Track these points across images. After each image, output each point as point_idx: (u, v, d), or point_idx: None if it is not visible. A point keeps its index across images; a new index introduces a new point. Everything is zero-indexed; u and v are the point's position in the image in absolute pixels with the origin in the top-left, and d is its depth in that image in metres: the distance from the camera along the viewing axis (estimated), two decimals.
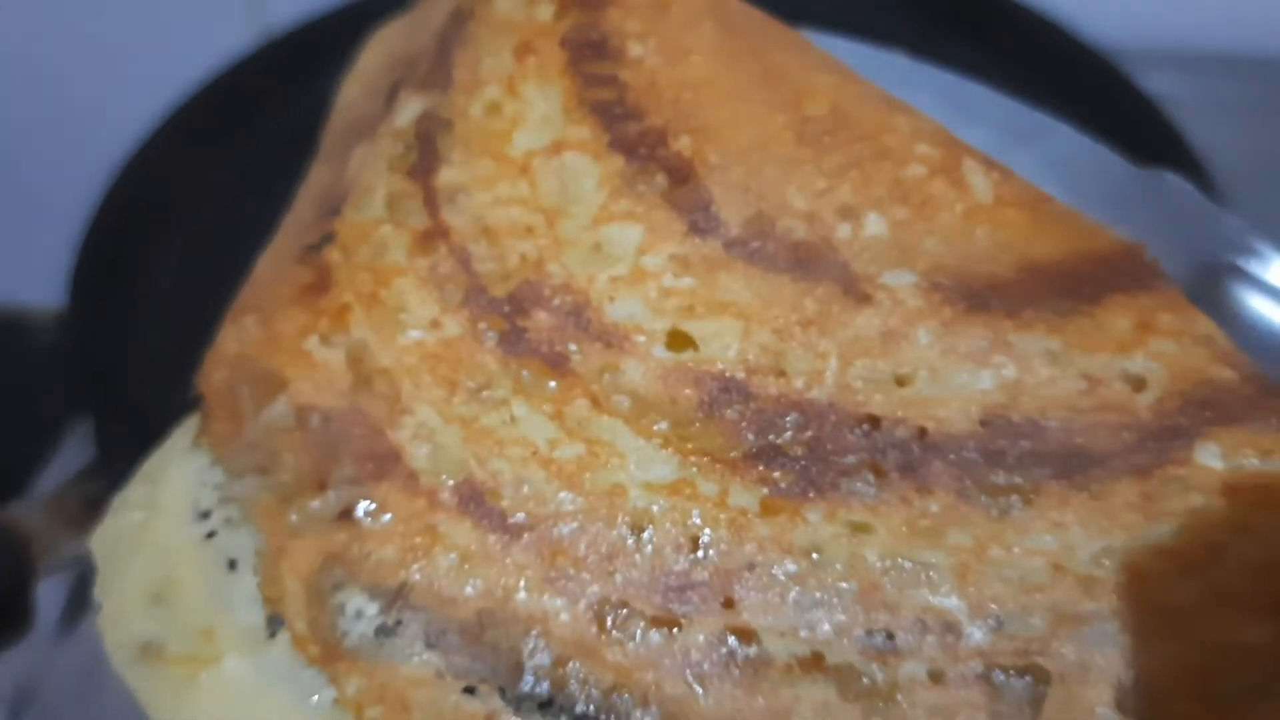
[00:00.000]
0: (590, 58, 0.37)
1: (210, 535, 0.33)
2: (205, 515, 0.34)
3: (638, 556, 0.30)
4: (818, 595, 0.30)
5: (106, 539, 0.34)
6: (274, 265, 0.38)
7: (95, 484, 0.39)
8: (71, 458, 0.52)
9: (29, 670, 0.43)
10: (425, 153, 0.36)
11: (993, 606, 0.29)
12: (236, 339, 0.34)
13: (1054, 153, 0.40)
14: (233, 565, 0.33)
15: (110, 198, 0.56)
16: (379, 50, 0.44)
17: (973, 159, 0.34)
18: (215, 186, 0.58)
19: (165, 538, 0.34)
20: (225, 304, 0.47)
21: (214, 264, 0.51)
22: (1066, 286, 0.32)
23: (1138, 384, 0.31)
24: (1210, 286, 0.38)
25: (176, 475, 0.35)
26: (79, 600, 0.43)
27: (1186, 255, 0.38)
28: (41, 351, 0.86)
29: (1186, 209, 0.38)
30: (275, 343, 0.34)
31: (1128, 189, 0.40)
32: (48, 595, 0.39)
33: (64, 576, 0.43)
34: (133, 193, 0.56)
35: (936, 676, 0.29)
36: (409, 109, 0.38)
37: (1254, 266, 0.38)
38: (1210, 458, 0.30)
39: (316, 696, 0.31)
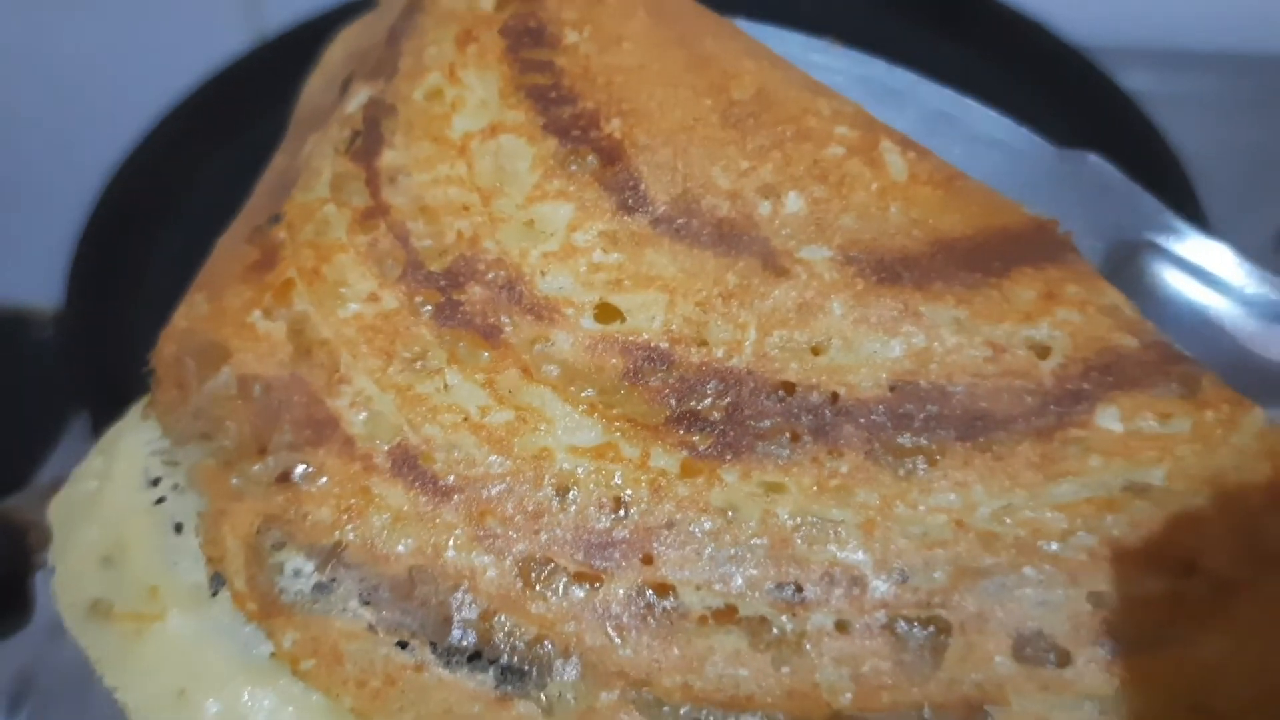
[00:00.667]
0: (528, 45, 0.38)
1: (159, 501, 0.35)
2: (155, 483, 0.35)
3: (562, 516, 0.32)
4: (732, 551, 0.31)
5: (62, 507, 0.36)
6: (227, 246, 0.39)
7: None
8: (71, 452, 0.51)
9: (28, 660, 0.42)
10: (369, 136, 0.38)
11: (897, 561, 0.31)
12: (186, 315, 0.36)
13: (982, 135, 0.41)
14: (178, 529, 0.34)
15: (107, 196, 0.56)
16: (340, 46, 0.45)
17: (890, 139, 0.36)
18: (210, 185, 0.59)
19: (116, 504, 0.35)
20: None
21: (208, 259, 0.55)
22: (975, 260, 0.34)
23: (1042, 351, 0.33)
24: (1130, 262, 0.39)
25: (129, 446, 0.36)
26: None
27: (1108, 232, 0.40)
28: (41, 349, 0.87)
29: (1108, 188, 0.40)
30: (221, 317, 0.35)
31: (1052, 169, 0.41)
32: (47, 587, 0.38)
33: None
34: (130, 191, 0.57)
35: (843, 627, 0.30)
36: (358, 97, 0.40)
37: (1171, 243, 0.39)
38: (1110, 421, 0.32)
39: (255, 650, 0.32)
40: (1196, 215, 0.53)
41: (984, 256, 0.34)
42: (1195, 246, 0.39)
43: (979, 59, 0.67)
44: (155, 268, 0.55)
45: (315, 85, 0.44)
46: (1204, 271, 0.38)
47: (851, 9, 0.70)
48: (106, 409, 0.45)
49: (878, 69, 0.42)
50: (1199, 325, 0.38)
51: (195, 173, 0.60)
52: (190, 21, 0.79)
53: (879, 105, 0.39)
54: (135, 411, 0.37)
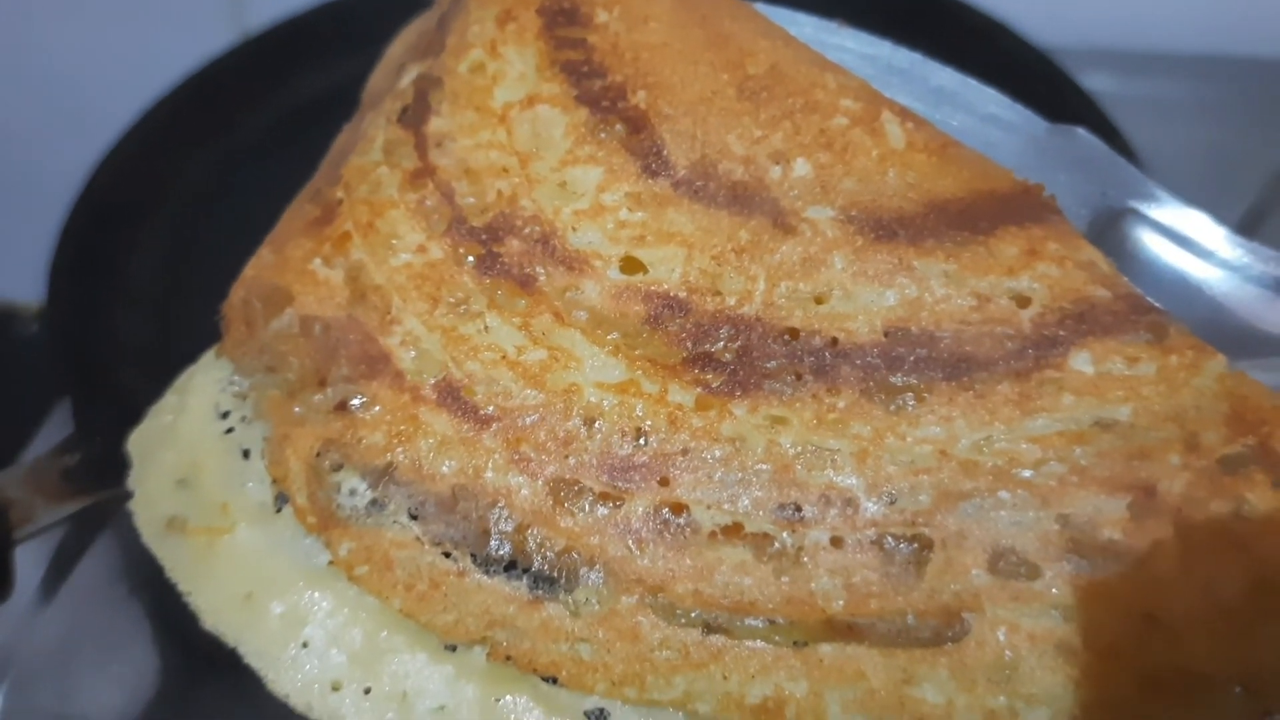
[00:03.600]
0: (562, 23, 0.42)
1: (228, 431, 0.39)
2: (224, 415, 0.39)
3: (589, 443, 0.36)
4: (739, 475, 0.35)
5: (141, 438, 0.40)
6: (292, 209, 0.43)
7: (71, 457, 0.42)
8: (52, 437, 0.53)
9: (8, 636, 0.44)
10: (419, 106, 0.41)
11: (886, 485, 0.34)
12: (255, 265, 0.40)
13: (980, 110, 0.45)
14: (246, 454, 0.38)
15: (89, 192, 0.57)
16: (399, 43, 0.49)
17: (890, 111, 0.39)
18: (191, 181, 0.61)
19: (190, 434, 0.39)
20: (199, 292, 0.51)
21: (188, 255, 0.57)
22: (965, 219, 0.37)
23: (1022, 301, 0.36)
24: (1113, 226, 0.43)
25: (201, 384, 0.40)
26: (57, 571, 0.46)
27: (1093, 199, 0.43)
28: (26, 344, 0.90)
29: (1094, 159, 0.43)
30: (285, 265, 0.39)
31: (1044, 142, 0.44)
32: (27, 568, 0.40)
33: (44, 549, 0.46)
34: (111, 188, 0.58)
35: (837, 542, 0.34)
36: (409, 74, 0.44)
37: (1151, 209, 0.42)
38: (1083, 363, 0.35)
39: (315, 559, 0.36)
40: None
41: (973, 216, 0.37)
42: (1173, 213, 0.42)
43: (942, 59, 0.71)
44: (136, 261, 0.57)
45: (376, 76, 0.48)
46: (1181, 235, 0.42)
47: (821, 7, 0.73)
48: (87, 396, 0.49)
49: (884, 49, 0.45)
50: (1175, 284, 0.41)
51: (177, 169, 0.61)
52: (173, 19, 0.80)
53: (885, 82, 0.42)
54: (208, 356, 0.41)
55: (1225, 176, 0.73)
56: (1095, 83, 0.64)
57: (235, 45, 0.66)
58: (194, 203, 0.60)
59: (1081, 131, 0.44)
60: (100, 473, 0.42)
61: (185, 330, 0.48)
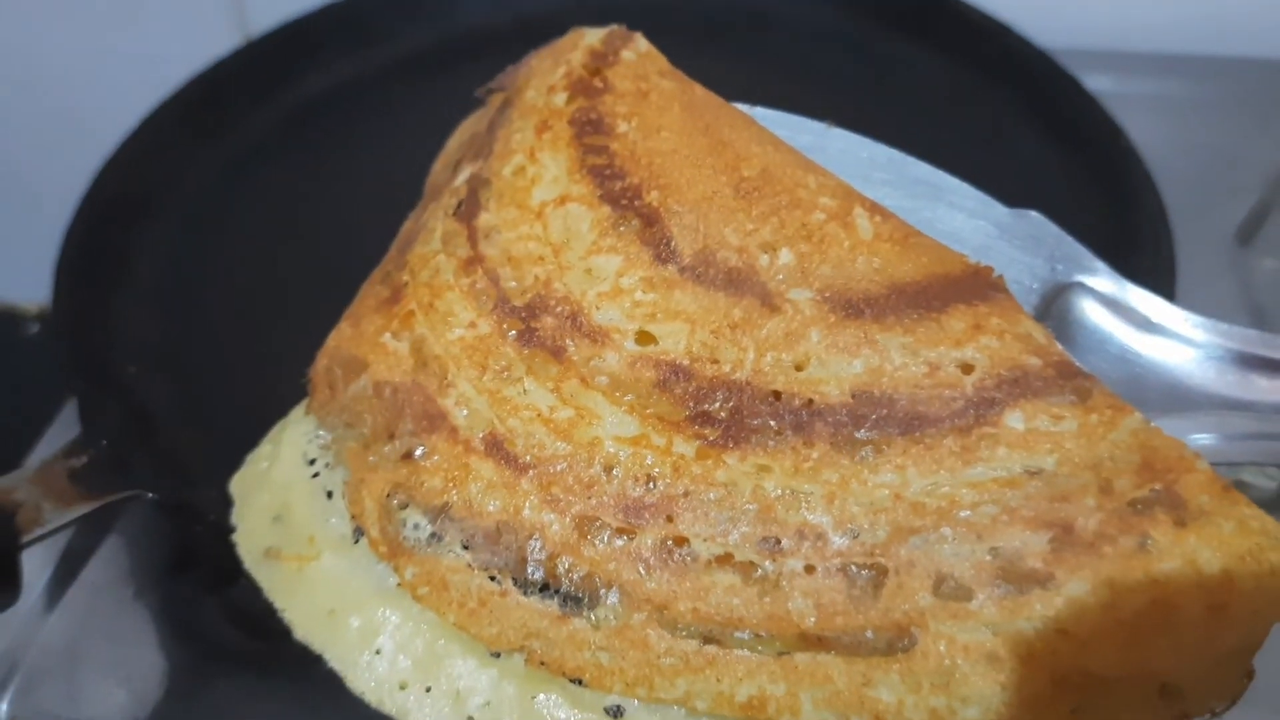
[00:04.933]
0: (590, 132, 0.50)
1: (315, 475, 0.47)
2: (311, 462, 0.48)
3: (608, 487, 0.43)
4: (731, 513, 0.42)
5: (241, 482, 0.48)
6: (367, 289, 0.52)
7: (79, 459, 0.43)
8: (57, 437, 0.53)
9: (15, 639, 0.45)
10: (470, 202, 0.50)
11: (850, 523, 0.41)
12: (336, 338, 0.49)
13: (949, 199, 0.52)
14: (329, 495, 0.46)
15: (94, 194, 0.58)
16: (456, 137, 0.57)
17: (862, 206, 0.47)
18: (194, 183, 0.61)
19: (282, 478, 0.47)
20: (201, 292, 0.53)
21: (190, 255, 0.58)
22: (921, 299, 0.45)
23: (966, 368, 0.43)
24: (1060, 296, 0.50)
25: (291, 436, 0.49)
26: (64, 575, 0.47)
27: (1044, 273, 0.50)
28: (27, 345, 0.92)
29: (1045, 238, 0.50)
30: (360, 338, 0.48)
31: (1004, 224, 0.52)
32: (34, 572, 0.41)
33: (50, 551, 0.47)
34: (115, 190, 0.59)
35: (809, 570, 0.41)
36: (463, 174, 0.52)
37: (1092, 282, 0.49)
38: (1016, 421, 0.42)
39: (386, 581, 0.44)
40: (1159, 211, 0.59)
41: (928, 296, 0.44)
42: (1112, 284, 0.49)
43: (950, 61, 0.72)
44: (140, 263, 0.58)
45: (438, 167, 0.57)
46: (1118, 304, 0.49)
47: (825, 12, 0.74)
48: (94, 398, 0.49)
49: (868, 148, 0.52)
50: (1111, 346, 0.48)
51: (182, 169, 0.61)
52: (176, 22, 0.80)
53: (867, 176, 0.50)
54: (298, 411, 0.50)
55: (1225, 177, 0.74)
56: (1096, 83, 0.65)
57: (239, 47, 0.66)
58: (200, 202, 0.60)
59: (1034, 214, 0.51)
60: (108, 475, 0.43)
61: (190, 330, 0.52)
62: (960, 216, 0.51)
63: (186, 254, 0.58)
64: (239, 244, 0.57)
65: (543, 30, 0.54)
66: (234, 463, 0.48)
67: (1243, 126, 0.77)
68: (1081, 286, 0.49)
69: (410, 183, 0.51)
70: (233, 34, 0.79)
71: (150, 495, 0.44)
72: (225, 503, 0.46)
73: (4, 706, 0.44)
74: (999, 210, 0.51)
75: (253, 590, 0.43)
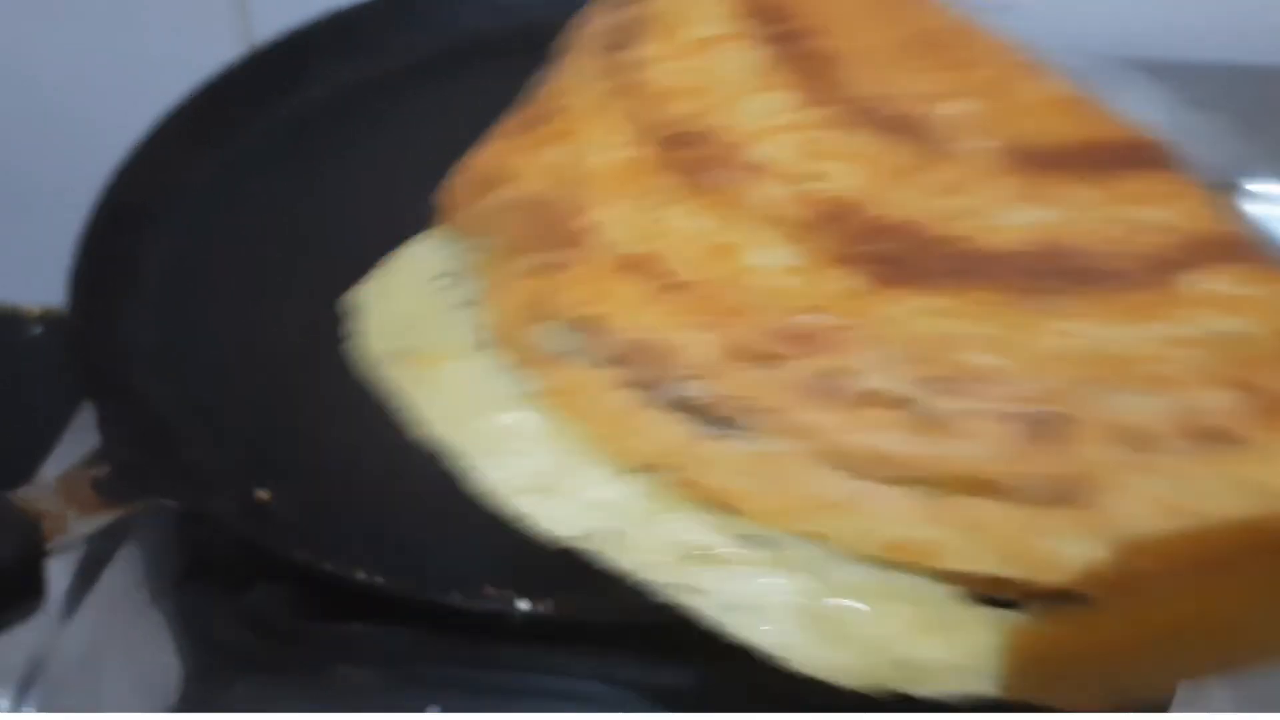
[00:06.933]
0: None
1: (446, 286, 0.45)
2: (441, 275, 0.46)
3: (761, 313, 0.41)
4: (894, 349, 0.39)
5: (367, 290, 0.47)
6: (511, 115, 0.50)
7: (101, 468, 0.43)
8: (74, 445, 0.53)
9: (39, 647, 0.45)
10: (626, 34, 0.48)
11: (1025, 369, 0.39)
12: (479, 151, 0.47)
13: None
14: (460, 304, 0.45)
15: (107, 199, 0.58)
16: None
17: (1036, 70, 0.45)
18: (203, 190, 0.62)
19: (412, 287, 0.46)
20: (215, 295, 0.54)
21: (202, 263, 0.58)
22: (1101, 159, 0.43)
23: (1149, 228, 0.41)
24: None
25: (421, 250, 0.47)
26: (85, 580, 0.47)
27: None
28: (31, 347, 0.93)
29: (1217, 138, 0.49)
30: (507, 152, 0.46)
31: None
32: (54, 579, 0.40)
33: (71, 558, 0.46)
34: (128, 194, 0.59)
35: (979, 412, 0.38)
36: (617, 14, 0.51)
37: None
38: (1199, 282, 0.39)
39: (519, 388, 0.42)
40: None
41: (1108, 157, 0.43)
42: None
43: None
44: (151, 268, 0.57)
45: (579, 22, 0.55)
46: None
47: None
48: (113, 406, 0.48)
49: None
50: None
51: (188, 178, 0.62)
52: (180, 31, 0.80)
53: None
54: (420, 235, 0.48)
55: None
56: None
57: (247, 56, 0.68)
58: (210, 210, 0.61)
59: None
60: (131, 484, 0.43)
61: (201, 335, 0.54)
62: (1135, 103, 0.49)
63: (198, 262, 0.59)
64: (250, 251, 0.58)
65: (546, 38, 0.53)
66: (249, 468, 0.47)
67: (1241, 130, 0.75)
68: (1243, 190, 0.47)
69: (419, 190, 0.49)
70: (235, 40, 0.80)
71: (170, 503, 0.43)
72: (241, 509, 0.45)
73: (31, 711, 0.45)
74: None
75: (268, 596, 0.44)
